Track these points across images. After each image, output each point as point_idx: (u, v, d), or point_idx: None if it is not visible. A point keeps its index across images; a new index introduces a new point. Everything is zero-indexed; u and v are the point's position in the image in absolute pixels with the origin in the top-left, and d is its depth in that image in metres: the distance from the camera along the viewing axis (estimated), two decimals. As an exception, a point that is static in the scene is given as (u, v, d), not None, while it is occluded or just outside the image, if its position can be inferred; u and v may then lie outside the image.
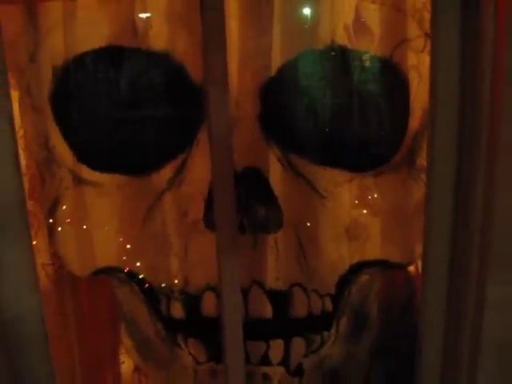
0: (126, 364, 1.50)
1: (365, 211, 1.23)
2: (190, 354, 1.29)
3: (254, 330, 1.20)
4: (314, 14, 1.12)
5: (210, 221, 1.11)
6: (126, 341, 1.40)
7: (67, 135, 1.18)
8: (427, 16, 1.07)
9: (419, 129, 1.21)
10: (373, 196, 1.23)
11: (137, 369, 1.46)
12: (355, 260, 1.26)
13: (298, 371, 1.31)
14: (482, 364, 1.05)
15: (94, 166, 1.19)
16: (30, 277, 1.06)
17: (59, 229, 1.22)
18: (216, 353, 1.23)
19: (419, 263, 1.25)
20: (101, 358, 1.46)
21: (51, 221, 1.23)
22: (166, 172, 1.18)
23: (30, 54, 1.14)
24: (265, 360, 1.27)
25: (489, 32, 0.92)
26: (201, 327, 1.26)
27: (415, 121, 1.21)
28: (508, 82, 0.91)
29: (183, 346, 1.28)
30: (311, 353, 1.29)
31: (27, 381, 1.09)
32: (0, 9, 0.97)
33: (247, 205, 1.12)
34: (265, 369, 1.28)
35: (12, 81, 1.09)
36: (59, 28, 1.11)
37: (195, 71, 1.09)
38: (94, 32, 1.11)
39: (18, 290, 1.04)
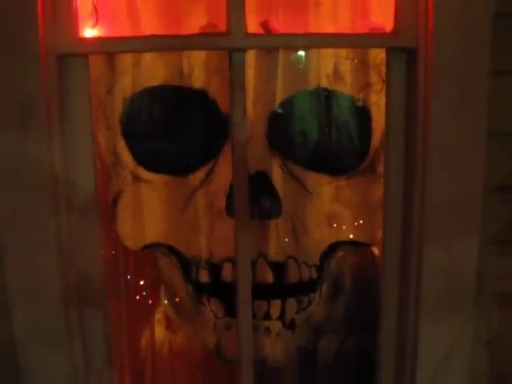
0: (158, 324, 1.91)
1: (340, 205, 1.69)
2: (211, 310, 1.74)
3: (259, 292, 1.64)
4: (306, 66, 1.59)
5: (230, 210, 1.57)
6: (164, 300, 1.83)
7: (130, 146, 1.63)
8: (384, 68, 1.49)
9: (378, 146, 1.65)
10: (346, 194, 1.69)
11: (168, 326, 1.86)
12: (333, 240, 1.71)
13: (291, 325, 1.76)
14: (423, 311, 1.45)
15: (149, 168, 1.65)
16: (97, 248, 1.48)
17: (120, 214, 1.67)
18: (231, 310, 1.66)
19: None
20: (143, 312, 1.88)
21: (114, 207, 1.67)
22: (199, 174, 1.64)
23: (107, 89, 1.60)
24: (267, 316, 1.72)
25: (422, 81, 1.36)
26: (220, 290, 1.71)
27: (376, 140, 1.66)
28: (434, 114, 1.32)
29: (206, 304, 1.73)
30: (301, 310, 1.74)
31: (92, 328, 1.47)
32: (91, 57, 1.39)
33: (257, 198, 1.57)
34: (267, 323, 1.73)
35: (93, 107, 1.48)
36: (129, 71, 1.58)
37: (223, 104, 1.56)
38: (152, 74, 1.58)
39: (87, 258, 1.45)
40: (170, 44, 1.47)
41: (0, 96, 1.28)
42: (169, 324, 1.90)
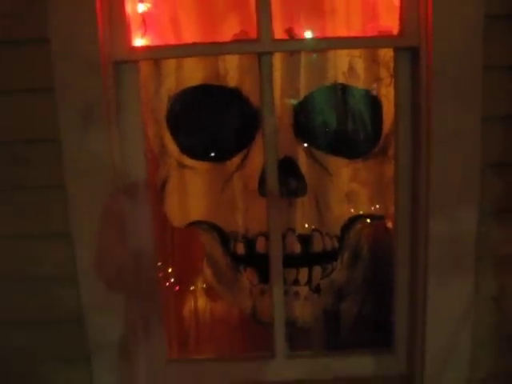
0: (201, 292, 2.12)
1: (357, 184, 1.87)
2: (247, 278, 1.94)
3: (289, 261, 1.82)
4: (325, 65, 1.79)
5: (262, 190, 1.76)
6: (207, 270, 2.04)
7: (174, 137, 1.84)
8: (392, 65, 1.69)
9: (389, 132, 1.84)
10: (362, 174, 1.87)
11: (209, 293, 2.08)
12: (352, 214, 1.90)
13: (317, 289, 1.95)
14: (431, 274, 1.62)
15: (191, 156, 1.85)
16: (148, 226, 1.70)
17: (167, 196, 1.88)
18: (265, 277, 1.84)
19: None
20: (188, 281, 2.10)
21: (162, 190, 1.88)
22: (235, 160, 1.85)
23: (155, 89, 1.82)
24: (296, 282, 1.90)
25: (424, 75, 1.55)
26: (255, 260, 1.89)
27: (386, 127, 1.85)
28: (435, 103, 1.52)
29: (243, 273, 1.93)
30: (325, 276, 1.92)
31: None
32: (140, 62, 1.60)
33: (285, 180, 1.75)
34: (296, 288, 1.91)
35: (143, 105, 1.69)
36: (173, 73, 1.80)
37: (254, 99, 1.76)
38: (193, 76, 1.79)
39: (141, 235, 1.67)
40: (208, 50, 1.69)
41: (68, 98, 1.51)
42: (210, 292, 2.11)
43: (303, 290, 1.91)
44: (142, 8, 1.72)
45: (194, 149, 1.85)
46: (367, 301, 2.03)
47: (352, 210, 1.89)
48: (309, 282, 1.90)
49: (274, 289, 1.78)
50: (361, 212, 1.91)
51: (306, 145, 1.83)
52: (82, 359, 1.69)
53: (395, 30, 1.64)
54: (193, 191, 1.89)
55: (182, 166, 1.87)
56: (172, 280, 2.05)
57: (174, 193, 1.89)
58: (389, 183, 1.81)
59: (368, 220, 1.93)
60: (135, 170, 1.67)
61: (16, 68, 1.52)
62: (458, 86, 1.54)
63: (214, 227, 1.90)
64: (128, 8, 1.58)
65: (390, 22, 1.69)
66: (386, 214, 1.92)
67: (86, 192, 1.57)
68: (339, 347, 1.97)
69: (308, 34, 1.80)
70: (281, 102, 1.78)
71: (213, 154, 1.86)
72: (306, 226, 1.86)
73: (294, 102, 1.84)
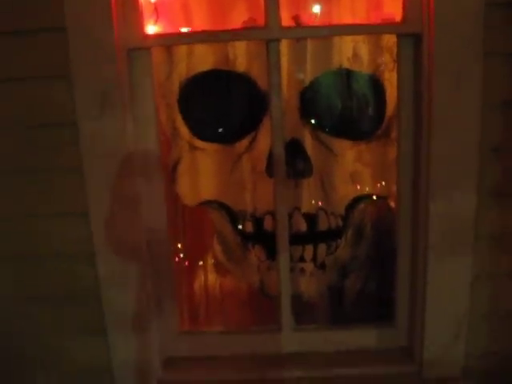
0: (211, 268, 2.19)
1: (361, 165, 1.93)
2: (255, 255, 2.01)
3: (295, 239, 1.89)
4: (330, 51, 1.84)
5: (269, 171, 1.82)
6: (217, 247, 2.10)
7: (186, 120, 1.89)
8: (395, 50, 1.73)
9: (391, 115, 1.88)
10: (366, 155, 1.92)
11: (219, 269, 2.15)
12: (356, 194, 1.96)
13: (322, 266, 2.01)
14: (431, 251, 1.68)
15: (202, 138, 1.91)
16: (161, 204, 1.77)
17: (179, 177, 1.94)
18: (272, 254, 1.91)
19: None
20: (198, 257, 2.18)
21: (174, 171, 1.94)
22: (244, 142, 1.90)
23: (166, 74, 1.87)
24: (301, 259, 1.97)
25: (426, 61, 1.60)
26: (263, 238, 1.95)
27: (389, 110, 1.89)
28: (437, 87, 1.56)
29: (251, 249, 2.00)
30: (330, 254, 1.99)
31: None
32: (153, 49, 1.65)
33: (291, 161, 1.80)
34: (301, 264, 1.97)
35: (155, 90, 1.75)
36: (184, 59, 1.85)
37: (262, 84, 1.81)
38: (203, 61, 1.85)
39: (154, 213, 1.74)
40: (218, 37, 1.75)
41: (85, 84, 1.58)
42: (219, 268, 2.17)
43: (309, 266, 1.97)
44: (154, -4, 1.78)
45: (204, 131, 1.91)
46: (370, 277, 2.09)
47: (356, 190, 1.95)
48: (314, 258, 1.96)
49: (280, 265, 1.86)
50: (364, 192, 1.96)
51: (312, 127, 1.88)
52: (100, 331, 1.78)
53: (398, 17, 1.68)
54: (203, 172, 1.95)
55: (193, 147, 1.93)
56: (183, 256, 2.11)
57: (185, 173, 1.95)
58: (391, 164, 1.86)
59: (371, 200, 1.98)
60: (148, 152, 1.74)
61: (34, 55, 1.59)
62: (459, 72, 1.59)
63: (223, 206, 1.96)
64: (141, -3, 1.66)
65: (393, 9, 1.73)
66: (389, 194, 1.97)
67: (102, 173, 1.65)
68: (343, 321, 2.02)
69: (314, 21, 1.83)
70: (288, 86, 1.83)
71: (222, 137, 1.91)
72: (312, 205, 1.92)
73: (302, 76, 1.88)
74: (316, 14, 1.80)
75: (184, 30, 1.91)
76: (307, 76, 1.86)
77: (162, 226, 1.82)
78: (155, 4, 1.77)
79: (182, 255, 2.11)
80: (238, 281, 2.18)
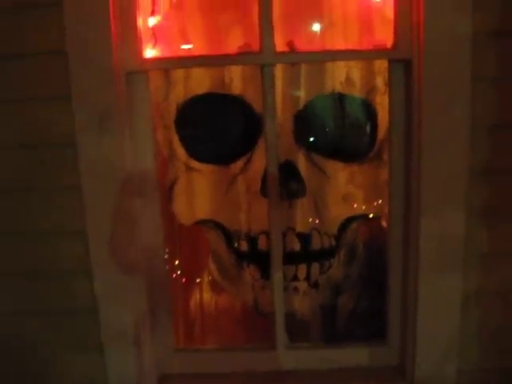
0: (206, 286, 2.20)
1: (353, 186, 1.95)
2: (250, 274, 2.02)
3: (289, 258, 1.92)
4: (323, 75, 1.88)
5: (264, 191, 1.85)
6: (212, 265, 2.13)
7: (183, 142, 1.93)
8: (387, 74, 1.77)
9: (383, 138, 1.93)
10: (358, 177, 1.96)
11: (214, 287, 2.16)
12: (348, 214, 1.98)
13: (316, 285, 2.03)
14: (421, 270, 1.71)
15: (198, 159, 1.94)
16: (158, 223, 1.80)
17: (176, 196, 1.97)
18: (266, 273, 1.93)
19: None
20: (194, 276, 2.19)
21: (171, 191, 1.97)
22: (239, 163, 1.94)
23: (164, 96, 1.92)
24: (295, 278, 1.98)
25: (416, 86, 1.64)
26: (257, 257, 1.97)
27: (381, 133, 1.94)
28: (426, 111, 1.61)
29: (246, 268, 2.02)
30: (323, 273, 2.01)
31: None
32: (151, 73, 1.70)
33: (285, 182, 1.84)
34: (295, 283, 1.99)
35: (153, 111, 1.80)
36: (181, 82, 1.90)
37: (257, 106, 1.85)
38: (200, 84, 1.89)
39: (151, 232, 1.77)
40: (214, 61, 1.80)
41: (84, 105, 1.62)
42: (215, 286, 2.20)
43: (302, 285, 1.99)
44: (152, 21, 1.82)
45: (200, 152, 1.94)
46: (363, 295, 2.12)
47: (348, 211, 1.98)
48: (307, 277, 1.98)
49: (274, 284, 1.88)
50: (357, 212, 1.99)
51: (305, 149, 1.91)
52: (96, 347, 1.80)
53: (389, 43, 1.73)
54: (199, 192, 1.98)
55: (189, 168, 1.97)
56: (179, 273, 2.14)
57: (181, 193, 1.99)
58: (383, 185, 1.90)
59: (363, 220, 2.01)
60: (146, 172, 1.78)
61: (35, 78, 1.63)
62: (448, 96, 1.63)
63: (218, 226, 1.99)
64: (139, 22, 1.69)
65: (384, 36, 1.78)
66: (381, 214, 2.01)
67: (100, 192, 1.68)
68: (336, 339, 2.05)
69: (308, 45, 1.87)
70: (282, 109, 1.86)
71: (218, 158, 1.94)
72: (305, 225, 1.94)
73: (296, 99, 1.92)
74: (310, 40, 1.84)
75: (184, 46, 1.94)
76: (301, 99, 1.90)
77: (159, 245, 1.85)
78: (153, 29, 1.81)
79: (178, 272, 2.14)
80: (232, 299, 2.20)
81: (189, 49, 1.89)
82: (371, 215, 2.02)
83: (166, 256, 1.91)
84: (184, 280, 2.18)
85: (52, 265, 1.76)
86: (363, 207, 2.00)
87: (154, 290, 1.84)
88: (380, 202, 1.98)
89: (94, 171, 1.66)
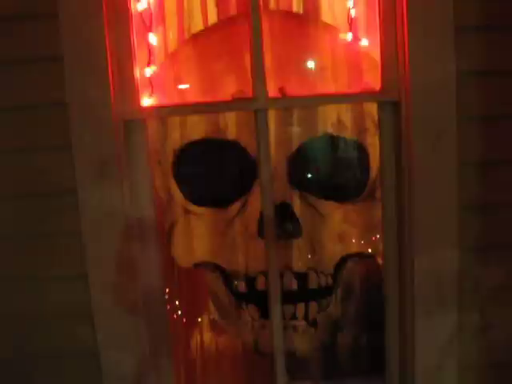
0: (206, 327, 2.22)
1: (348, 225, 1.99)
2: (249, 314, 2.03)
3: (287, 297, 1.93)
4: (315, 118, 1.94)
5: (261, 232, 1.87)
6: (211, 306, 2.15)
7: (180, 186, 1.97)
8: (376, 116, 1.83)
9: (375, 177, 1.97)
10: (352, 216, 2.00)
11: (214, 328, 2.18)
12: (344, 253, 2.01)
13: (314, 324, 2.04)
14: (418, 308, 1.74)
15: (196, 203, 1.98)
16: (157, 266, 1.82)
17: (174, 239, 2.01)
18: (265, 313, 1.93)
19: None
20: (194, 318, 2.21)
21: (169, 234, 2.01)
22: (236, 206, 1.97)
23: (161, 143, 1.97)
24: (293, 317, 1.99)
25: (404, 126, 1.70)
26: (256, 297, 1.98)
27: (373, 173, 1.98)
28: (415, 150, 1.66)
29: (245, 309, 2.02)
30: (321, 311, 2.02)
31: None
32: (148, 120, 1.75)
33: (281, 223, 1.86)
34: (294, 322, 2.00)
35: (150, 157, 1.83)
36: (177, 128, 1.95)
37: (252, 150, 1.89)
38: (196, 130, 1.94)
39: (150, 275, 1.79)
40: (209, 108, 1.86)
41: (84, 154, 1.66)
42: (215, 326, 2.20)
43: (301, 324, 2.00)
44: (149, 72, 1.87)
45: (197, 196, 1.98)
46: (361, 332, 2.13)
47: (344, 249, 2.00)
48: (306, 316, 1.99)
49: (273, 323, 1.88)
50: (352, 251, 2.02)
51: (300, 191, 1.95)
52: (97, 391, 1.84)
53: (377, 86, 1.80)
54: (197, 234, 2.01)
55: (187, 211, 2.00)
56: (179, 314, 2.16)
57: (180, 236, 2.02)
58: (377, 223, 1.93)
59: (359, 258, 2.03)
60: (145, 217, 1.81)
61: (35, 127, 1.68)
62: (436, 135, 1.69)
63: (217, 267, 2.01)
64: (136, 72, 1.74)
65: (372, 78, 1.85)
66: (376, 252, 2.03)
67: (100, 238, 1.71)
68: (336, 376, 2.06)
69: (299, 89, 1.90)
70: (276, 152, 1.89)
71: (215, 201, 1.98)
72: (302, 264, 1.96)
73: (289, 142, 1.96)
74: (301, 85, 1.88)
75: (180, 92, 1.99)
76: (294, 142, 1.93)
77: (159, 288, 1.87)
78: (150, 78, 1.87)
79: (178, 313, 2.16)
80: (233, 339, 2.20)
81: (184, 95, 1.94)
82: (367, 253, 2.04)
83: (165, 298, 1.93)
84: (184, 321, 2.19)
85: (53, 309, 1.77)
86: (359, 245, 2.03)
87: (154, 332, 1.84)
88: (375, 239, 2.01)
89: (94, 217, 1.69)
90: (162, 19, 2.05)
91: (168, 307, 2.03)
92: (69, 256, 1.74)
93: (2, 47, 1.67)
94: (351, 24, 1.99)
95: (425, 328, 1.77)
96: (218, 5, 2.12)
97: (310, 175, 2.00)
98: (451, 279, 1.75)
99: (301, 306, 1.99)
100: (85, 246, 1.71)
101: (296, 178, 1.95)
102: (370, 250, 2.05)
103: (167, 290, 1.99)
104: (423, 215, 1.73)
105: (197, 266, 2.04)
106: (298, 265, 1.97)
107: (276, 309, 1.89)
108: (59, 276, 1.76)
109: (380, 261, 2.02)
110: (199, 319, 2.23)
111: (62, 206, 1.72)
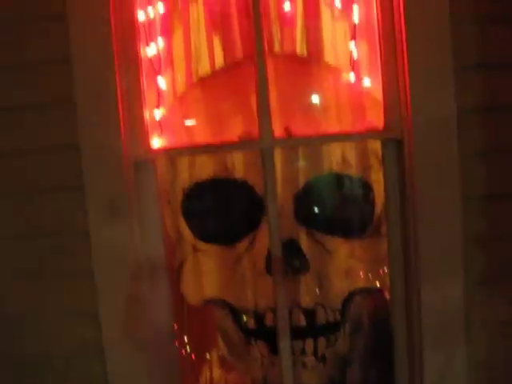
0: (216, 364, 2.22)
1: (355, 260, 2.01)
2: (258, 350, 2.03)
3: (295, 333, 1.94)
4: (320, 156, 1.99)
5: (269, 269, 1.90)
6: (221, 343, 2.15)
7: (189, 224, 2.01)
8: (380, 153, 1.89)
9: (381, 213, 2.00)
10: (359, 251, 2.02)
11: (223, 365, 2.18)
12: (351, 288, 2.02)
13: (323, 359, 2.04)
14: (425, 340, 1.76)
15: (205, 241, 2.01)
16: (167, 304, 1.86)
17: (184, 277, 2.03)
18: (274, 349, 1.95)
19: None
20: (204, 351, 2.21)
21: (179, 272, 2.03)
22: (244, 243, 2.00)
23: (170, 183, 2.01)
24: (303, 352, 2.00)
25: (408, 163, 1.74)
26: (265, 333, 2.00)
27: (378, 208, 2.01)
28: (419, 186, 1.69)
29: (254, 345, 2.03)
30: (330, 346, 2.03)
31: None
32: (157, 161, 1.80)
33: (289, 259, 1.89)
34: (303, 358, 2.00)
35: (160, 197, 1.89)
36: (186, 169, 1.99)
37: (259, 189, 1.93)
38: (204, 170, 1.98)
39: (160, 312, 1.82)
40: (217, 149, 1.92)
41: (95, 194, 1.71)
42: (224, 363, 2.20)
43: (310, 360, 2.00)
44: (158, 114, 1.92)
45: (206, 234, 2.01)
46: (370, 366, 2.13)
47: (351, 284, 2.01)
48: (315, 352, 1.99)
49: (282, 359, 1.90)
50: (360, 285, 2.03)
51: (306, 227, 1.97)
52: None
53: (381, 124, 1.85)
54: (206, 272, 2.03)
55: (196, 249, 2.03)
56: (188, 350, 2.16)
57: (189, 274, 2.04)
58: (384, 258, 1.97)
59: (366, 293, 2.04)
60: (154, 256, 1.85)
61: (51, 169, 1.74)
62: (439, 171, 1.73)
63: (226, 304, 2.02)
64: (146, 115, 1.81)
65: (375, 117, 1.88)
66: (383, 286, 2.04)
67: (111, 276, 1.75)
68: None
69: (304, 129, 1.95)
70: (283, 190, 1.93)
71: (223, 239, 2.00)
72: (310, 300, 1.97)
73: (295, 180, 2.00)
74: (306, 124, 1.92)
75: (190, 128, 2.02)
76: (300, 180, 1.97)
77: (168, 325, 1.90)
78: (159, 120, 1.92)
79: (187, 349, 2.16)
80: (242, 376, 2.20)
81: (193, 136, 1.98)
82: (374, 288, 2.06)
83: (176, 336, 1.97)
84: (193, 357, 2.19)
85: (64, 347, 1.79)
86: (366, 280, 2.04)
87: (164, 368, 1.86)
88: (382, 274, 2.03)
89: (105, 256, 1.73)
90: (171, 63, 2.10)
91: (177, 344, 2.05)
92: (80, 294, 1.76)
93: (18, 93, 1.74)
94: (353, 65, 2.04)
95: (433, 361, 1.78)
96: (224, 49, 2.17)
97: (316, 212, 2.03)
98: (458, 312, 1.76)
99: (309, 342, 1.99)
100: (96, 284, 1.74)
101: (303, 215, 1.98)
102: (377, 284, 2.06)
103: (176, 327, 2.01)
104: (428, 249, 1.75)
105: (206, 302, 2.06)
106: (306, 301, 1.98)
107: (285, 345, 1.91)
108: (70, 314, 1.79)
109: (387, 295, 2.03)
110: (208, 356, 2.23)
111: (74, 246, 1.76)
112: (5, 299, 1.79)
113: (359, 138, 1.96)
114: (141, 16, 1.87)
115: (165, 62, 2.01)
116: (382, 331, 2.02)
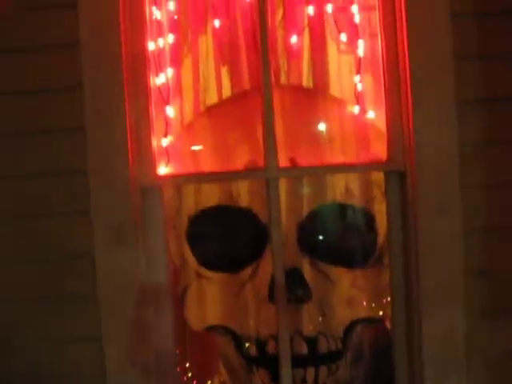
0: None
1: (357, 290, 2.02)
2: (259, 378, 2.03)
3: (297, 361, 1.94)
4: (324, 187, 2.01)
5: (271, 297, 1.91)
6: (222, 369, 2.15)
7: (193, 251, 2.02)
8: (383, 184, 1.90)
9: (383, 244, 2.01)
10: (361, 281, 2.03)
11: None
12: (353, 318, 2.03)
13: None
14: (426, 371, 1.75)
15: (208, 268, 2.02)
16: (170, 329, 1.85)
17: (187, 303, 2.04)
18: (275, 377, 1.94)
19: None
20: (205, 377, 2.21)
21: (182, 298, 2.04)
22: (247, 271, 2.01)
23: (176, 209, 2.03)
24: (304, 381, 1.99)
25: (410, 194, 1.76)
26: (266, 361, 2.00)
27: (381, 239, 2.02)
28: (421, 218, 1.71)
29: (256, 372, 2.03)
30: (331, 375, 2.02)
31: None
32: (164, 188, 1.81)
33: (292, 288, 1.89)
34: None
35: (165, 223, 1.90)
36: (192, 196, 2.02)
37: (263, 217, 1.95)
38: (209, 197, 2.01)
39: (163, 338, 1.81)
40: (223, 177, 1.95)
41: (102, 219, 1.73)
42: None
43: (311, 388, 2.05)
44: (165, 142, 1.94)
45: (210, 261, 2.03)
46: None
47: (353, 314, 2.02)
48: (316, 380, 1.99)
49: (284, 388, 1.94)
50: (361, 315, 2.04)
51: (309, 256, 1.99)
52: None
53: (384, 156, 1.88)
54: (210, 299, 2.05)
55: (200, 276, 2.05)
56: (190, 376, 2.15)
57: (192, 300, 2.06)
58: (386, 288, 1.97)
59: (368, 322, 2.05)
60: (159, 281, 1.85)
61: (59, 193, 1.76)
62: (440, 203, 1.75)
63: (228, 331, 2.03)
64: (154, 143, 1.84)
65: (379, 149, 1.91)
66: (385, 316, 2.06)
67: (115, 300, 1.75)
68: None
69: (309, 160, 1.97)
70: (286, 219, 1.95)
71: (227, 266, 2.02)
72: (312, 328, 1.98)
73: (299, 210, 2.02)
74: (311, 155, 1.95)
75: (197, 156, 2.05)
76: (304, 210, 2.00)
77: (171, 350, 1.90)
78: (166, 148, 1.94)
79: (189, 375, 2.16)
80: (243, 403, 2.24)
81: (199, 165, 2.00)
82: (376, 317, 2.06)
83: (178, 360, 1.97)
84: (195, 383, 2.18)
85: (67, 371, 1.78)
86: (367, 310, 2.06)
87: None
88: (383, 304, 2.04)
89: (109, 281, 1.74)
90: (179, 92, 2.13)
91: (179, 369, 2.06)
92: (85, 317, 1.77)
93: (29, 118, 1.77)
94: (358, 97, 2.07)
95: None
96: (232, 79, 2.21)
97: (319, 241, 2.05)
98: (459, 342, 1.76)
99: (311, 371, 1.99)
100: (100, 309, 1.75)
101: (306, 244, 2.00)
102: (379, 314, 2.06)
103: (179, 353, 2.02)
104: (430, 280, 1.76)
105: (209, 329, 2.07)
106: (308, 329, 1.99)
107: (286, 373, 1.90)
108: (73, 338, 1.79)
109: (388, 325, 2.04)
110: (210, 382, 2.22)
111: (79, 269, 1.78)
112: (10, 323, 1.78)
113: (363, 169, 1.99)
114: (151, 46, 1.89)
115: (173, 91, 2.04)
116: (383, 361, 2.01)
